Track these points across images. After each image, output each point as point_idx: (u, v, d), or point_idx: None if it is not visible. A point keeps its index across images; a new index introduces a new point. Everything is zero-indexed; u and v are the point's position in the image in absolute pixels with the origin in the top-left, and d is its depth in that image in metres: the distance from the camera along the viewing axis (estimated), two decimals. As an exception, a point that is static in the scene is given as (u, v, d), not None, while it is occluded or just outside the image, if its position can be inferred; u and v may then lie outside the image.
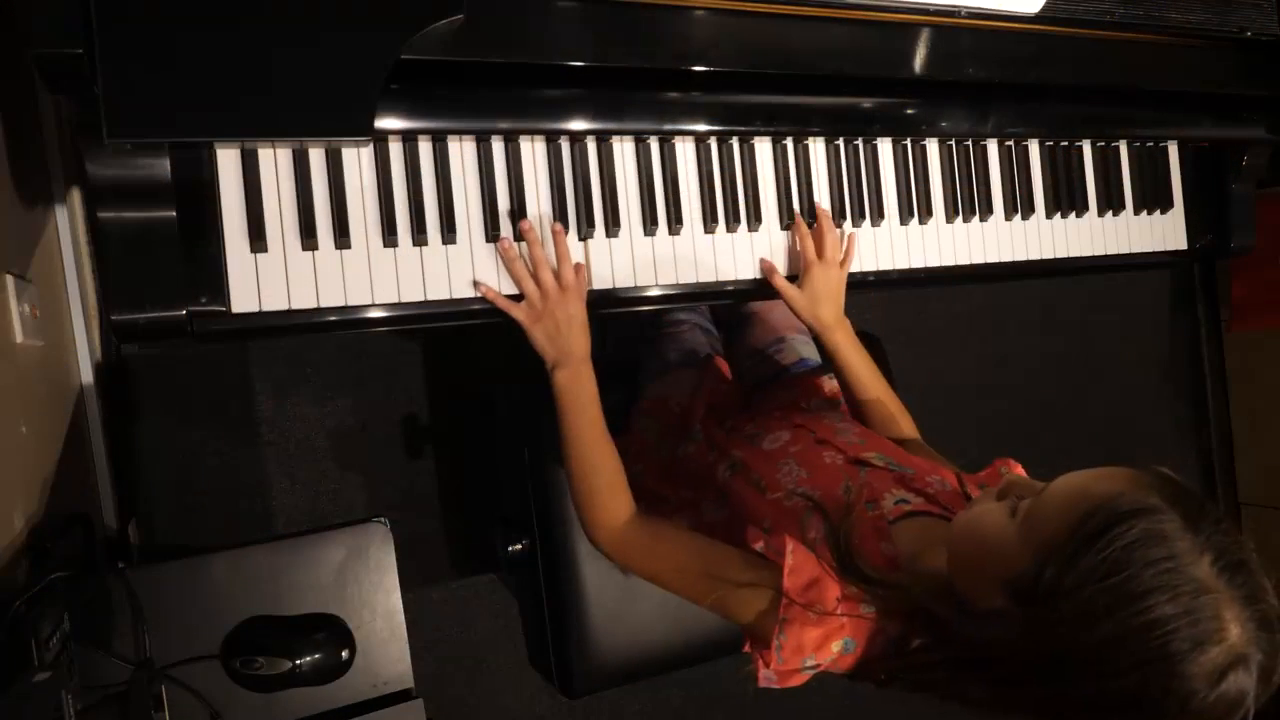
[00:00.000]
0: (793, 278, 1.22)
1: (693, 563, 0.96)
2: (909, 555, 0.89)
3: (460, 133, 1.05)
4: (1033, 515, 0.75)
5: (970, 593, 0.80)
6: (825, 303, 1.20)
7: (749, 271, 1.22)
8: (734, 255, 1.20)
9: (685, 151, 1.18)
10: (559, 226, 1.07)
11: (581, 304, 1.06)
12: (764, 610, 0.88)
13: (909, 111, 1.27)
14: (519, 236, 1.07)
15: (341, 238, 1.00)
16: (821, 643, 0.84)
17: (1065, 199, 1.44)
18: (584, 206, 1.11)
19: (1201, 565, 0.68)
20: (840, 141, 1.27)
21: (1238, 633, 0.68)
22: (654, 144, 1.16)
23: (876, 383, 1.22)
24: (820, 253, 1.21)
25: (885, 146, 1.30)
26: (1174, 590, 0.67)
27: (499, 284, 1.07)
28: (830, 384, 1.34)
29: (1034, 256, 1.42)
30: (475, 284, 1.05)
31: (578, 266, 1.08)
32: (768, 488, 1.03)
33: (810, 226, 1.23)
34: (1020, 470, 1.02)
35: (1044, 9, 1.22)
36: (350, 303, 1.01)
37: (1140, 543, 0.68)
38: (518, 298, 1.06)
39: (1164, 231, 1.56)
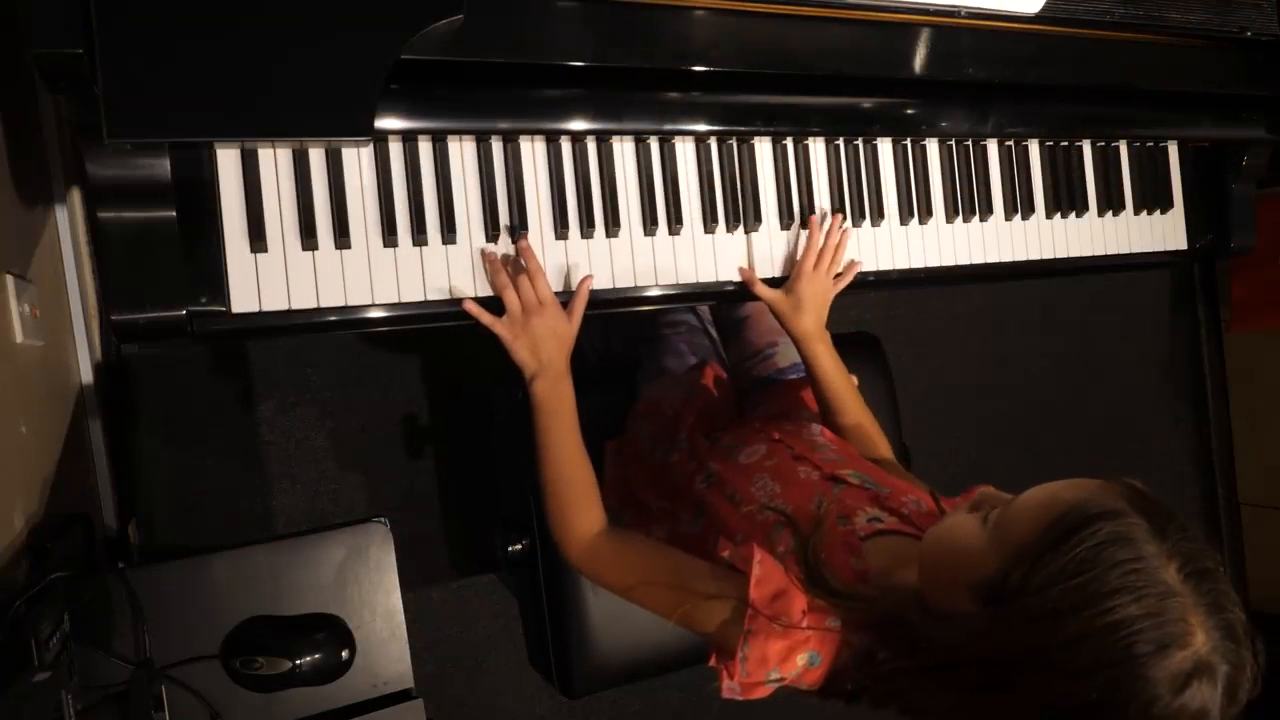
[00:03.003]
0: (774, 281, 1.22)
1: (660, 575, 0.96)
2: (879, 571, 0.88)
3: (460, 133, 1.05)
4: (1003, 521, 0.76)
5: (940, 601, 0.80)
6: (808, 312, 1.20)
7: (749, 271, 1.21)
8: (734, 256, 1.20)
9: (685, 151, 1.18)
10: (525, 244, 1.06)
11: (562, 318, 1.05)
12: (729, 620, 0.87)
13: (909, 111, 1.27)
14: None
15: (341, 238, 1.00)
16: (786, 655, 0.84)
17: (1065, 199, 1.44)
18: (584, 206, 1.11)
19: (1169, 570, 0.68)
20: (840, 141, 1.27)
21: (1203, 639, 0.67)
22: (654, 144, 1.16)
23: (852, 399, 1.22)
24: (817, 263, 1.21)
25: (885, 146, 1.30)
26: (1140, 591, 0.67)
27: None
28: None
29: (1034, 256, 1.42)
30: (461, 301, 1.05)
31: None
32: (741, 501, 1.03)
33: (822, 231, 1.23)
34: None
35: (1044, 9, 1.22)
36: (350, 303, 1.01)
37: (1107, 544, 0.69)
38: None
39: (1164, 231, 1.56)
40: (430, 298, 1.05)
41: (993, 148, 1.39)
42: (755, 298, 1.23)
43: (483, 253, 1.06)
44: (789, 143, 1.23)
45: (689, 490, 1.14)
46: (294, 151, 0.98)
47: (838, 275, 1.24)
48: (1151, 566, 0.68)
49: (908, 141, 1.31)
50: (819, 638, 0.84)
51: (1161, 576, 0.68)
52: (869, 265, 1.29)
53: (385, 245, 1.03)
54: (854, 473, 1.05)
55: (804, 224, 1.24)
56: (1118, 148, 1.50)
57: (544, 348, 1.04)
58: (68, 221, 1.36)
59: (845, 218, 1.26)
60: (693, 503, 1.13)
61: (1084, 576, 0.68)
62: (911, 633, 0.79)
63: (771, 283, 1.22)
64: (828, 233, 1.23)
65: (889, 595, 0.84)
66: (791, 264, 1.23)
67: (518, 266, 1.06)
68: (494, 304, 1.06)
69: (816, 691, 0.88)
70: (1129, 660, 0.67)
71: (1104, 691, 0.67)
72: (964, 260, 1.37)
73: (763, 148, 1.22)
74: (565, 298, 1.08)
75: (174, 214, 0.90)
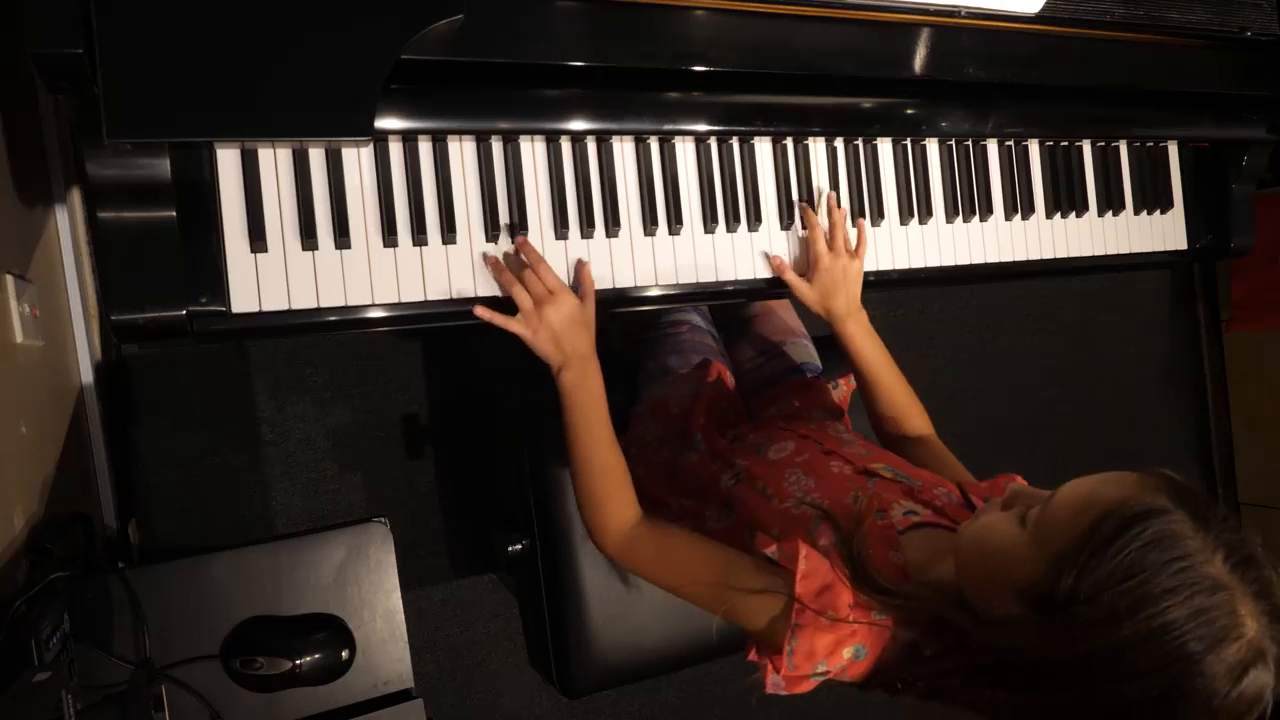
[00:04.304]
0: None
1: (705, 570, 0.95)
2: (918, 565, 0.89)
3: (460, 133, 1.05)
4: (1044, 523, 0.76)
5: (983, 602, 0.80)
6: (837, 294, 1.20)
7: (749, 271, 1.21)
8: (734, 255, 1.20)
9: (685, 151, 1.18)
10: (523, 239, 1.07)
11: (575, 302, 1.05)
12: (776, 616, 0.87)
13: (909, 111, 1.27)
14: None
15: (341, 238, 1.00)
16: (833, 648, 0.84)
17: (1065, 199, 1.44)
18: (584, 206, 1.11)
19: (1214, 563, 0.69)
20: (840, 141, 1.27)
21: (1254, 627, 0.68)
22: (654, 144, 1.16)
23: (892, 376, 1.21)
24: (831, 244, 1.21)
25: (885, 146, 1.30)
26: (1190, 589, 0.68)
27: (497, 286, 1.07)
28: (833, 393, 1.34)
29: (1034, 256, 1.42)
30: (462, 301, 1.05)
31: (580, 262, 1.08)
32: (775, 496, 1.03)
33: (822, 211, 1.23)
34: (1024, 483, 1.02)
35: (1044, 9, 1.22)
36: (350, 303, 1.01)
37: (1154, 544, 0.69)
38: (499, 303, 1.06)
39: (1164, 231, 1.56)
40: (430, 297, 1.05)
41: (993, 148, 1.39)
42: (758, 295, 1.23)
43: (484, 256, 1.06)
44: (789, 143, 1.23)
45: (714, 488, 1.13)
46: (294, 151, 0.98)
47: (855, 251, 1.23)
48: (1198, 562, 0.69)
49: (908, 141, 1.31)
50: (865, 630, 0.84)
51: (1208, 571, 0.68)
52: (869, 265, 1.28)
53: (385, 245, 1.03)
54: (884, 466, 1.05)
55: (805, 224, 1.24)
56: (1118, 148, 1.50)
57: (566, 336, 1.03)
58: (68, 221, 1.36)
59: (845, 216, 1.27)
60: (719, 500, 1.12)
61: (1134, 580, 0.68)
62: (960, 634, 0.80)
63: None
64: (828, 212, 1.23)
65: (932, 592, 0.84)
66: (795, 262, 1.23)
67: (520, 263, 1.06)
68: (503, 305, 1.06)
69: (860, 684, 0.88)
70: (1185, 659, 0.67)
71: (1162, 689, 0.68)
72: (964, 260, 1.37)
73: (763, 148, 1.22)
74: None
75: (174, 214, 0.90)
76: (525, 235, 1.08)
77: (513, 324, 1.04)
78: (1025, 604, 0.74)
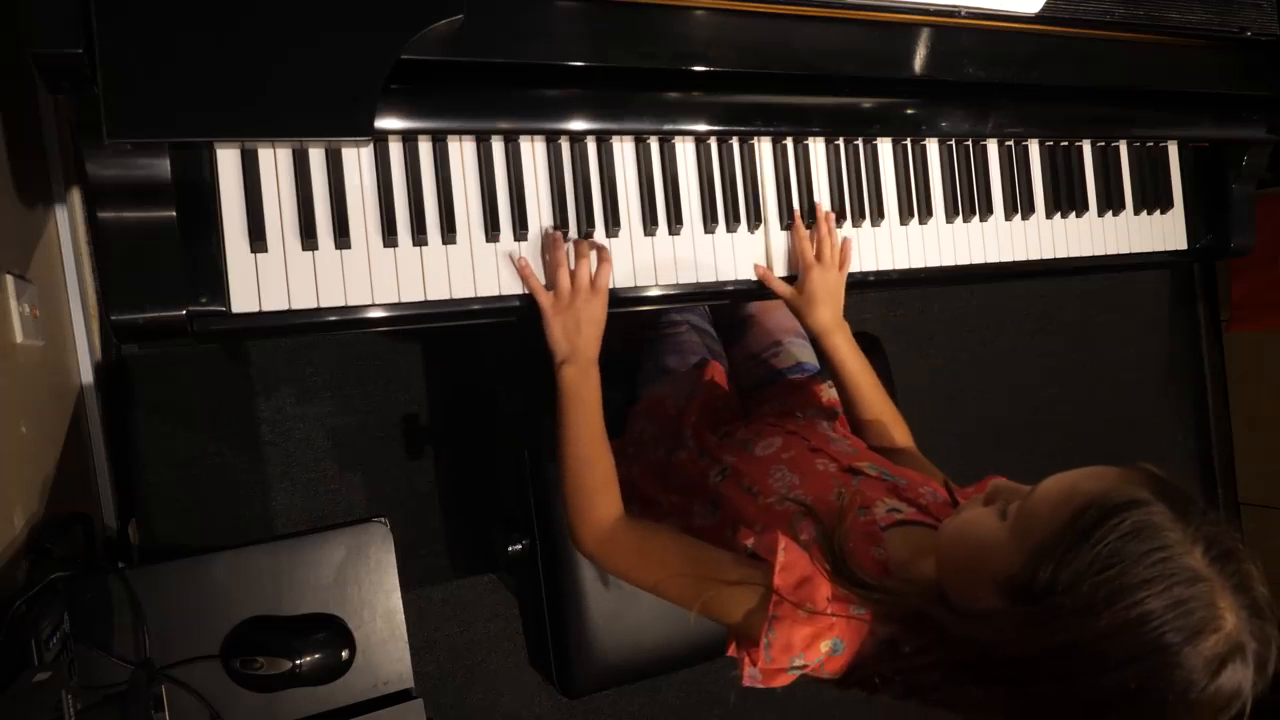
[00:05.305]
0: (790, 279, 1.23)
1: (681, 565, 0.95)
2: (900, 562, 0.89)
3: (460, 133, 1.05)
4: (1023, 515, 0.76)
5: (963, 596, 0.80)
6: (824, 305, 1.20)
7: (749, 272, 1.22)
8: (734, 255, 1.20)
9: (685, 151, 1.18)
10: (605, 246, 1.10)
11: (604, 310, 1.06)
12: (753, 608, 0.87)
13: (909, 111, 1.27)
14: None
15: (341, 238, 1.00)
16: (811, 641, 0.84)
17: (1065, 199, 1.44)
18: (584, 206, 1.11)
19: (1194, 555, 0.69)
20: (840, 141, 1.27)
21: (1233, 621, 0.68)
22: (654, 144, 1.16)
23: (873, 389, 1.22)
24: (819, 255, 1.21)
25: (885, 146, 1.30)
26: (1169, 580, 0.68)
27: (498, 285, 1.07)
28: (828, 392, 1.34)
29: (1034, 256, 1.42)
30: (515, 259, 1.06)
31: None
32: (759, 492, 1.03)
33: (810, 227, 1.23)
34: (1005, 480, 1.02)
35: (1044, 9, 1.22)
36: (350, 303, 1.01)
37: (1133, 535, 0.69)
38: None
39: (1164, 231, 1.56)
40: (430, 297, 1.05)
41: (993, 148, 1.39)
42: (758, 296, 1.23)
43: (547, 232, 1.08)
44: (789, 143, 1.23)
45: (702, 485, 1.13)
46: (294, 151, 0.98)
47: (840, 264, 1.24)
48: (1177, 553, 0.68)
49: (908, 141, 1.31)
50: (843, 624, 0.84)
51: (1188, 562, 0.68)
52: (869, 265, 1.28)
53: (385, 245, 1.03)
54: (870, 465, 1.05)
55: (808, 223, 1.24)
56: (1118, 148, 1.50)
57: (582, 333, 1.05)
58: (68, 221, 1.36)
59: (846, 217, 1.27)
60: (707, 496, 1.12)
61: (1112, 570, 0.68)
62: (940, 628, 0.79)
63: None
64: (818, 223, 1.23)
65: (913, 588, 0.84)
66: (792, 264, 1.23)
67: (579, 251, 1.07)
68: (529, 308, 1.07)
69: (837, 681, 0.88)
70: (1163, 650, 0.67)
71: (1140, 680, 0.68)
72: (964, 260, 1.37)
73: (763, 148, 1.22)
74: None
75: (174, 214, 0.90)
76: (525, 236, 1.08)
77: (542, 293, 1.05)
78: (1005, 596, 0.74)
